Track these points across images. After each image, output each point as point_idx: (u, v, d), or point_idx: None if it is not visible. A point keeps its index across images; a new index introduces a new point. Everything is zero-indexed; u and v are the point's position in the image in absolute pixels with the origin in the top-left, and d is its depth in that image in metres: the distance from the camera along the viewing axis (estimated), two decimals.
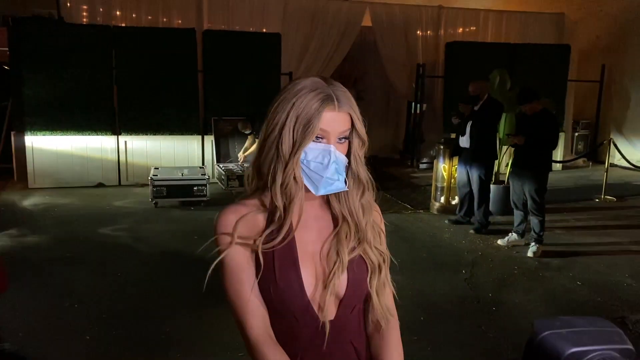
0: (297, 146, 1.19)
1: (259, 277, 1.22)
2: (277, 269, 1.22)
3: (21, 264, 4.92)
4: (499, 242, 5.71)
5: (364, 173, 1.28)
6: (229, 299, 1.25)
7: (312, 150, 1.20)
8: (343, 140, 1.23)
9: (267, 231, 1.23)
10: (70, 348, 3.54)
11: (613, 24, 10.76)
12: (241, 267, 1.23)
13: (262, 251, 1.22)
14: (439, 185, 6.98)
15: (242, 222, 1.24)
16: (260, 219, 1.25)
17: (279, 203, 1.22)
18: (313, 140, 1.20)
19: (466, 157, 6.09)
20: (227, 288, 1.25)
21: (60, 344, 3.58)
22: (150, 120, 8.08)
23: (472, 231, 6.07)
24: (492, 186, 6.79)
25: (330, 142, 1.21)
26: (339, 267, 1.26)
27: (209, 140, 8.41)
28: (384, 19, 9.59)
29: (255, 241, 1.23)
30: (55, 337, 3.66)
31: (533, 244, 5.42)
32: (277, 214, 1.23)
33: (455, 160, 6.54)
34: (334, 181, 1.21)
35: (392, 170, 9.76)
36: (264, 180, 1.25)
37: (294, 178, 1.21)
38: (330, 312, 1.27)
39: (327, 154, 1.20)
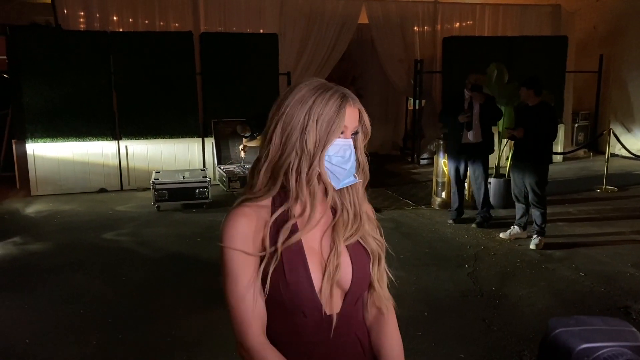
0: (322, 143, 1.24)
1: (270, 276, 1.24)
2: (285, 265, 1.25)
3: (26, 271, 4.95)
4: (501, 235, 5.73)
5: (366, 164, 1.35)
6: (228, 302, 1.27)
7: (333, 146, 1.26)
8: (354, 135, 1.30)
9: (289, 224, 1.26)
10: (77, 353, 3.56)
11: (609, 13, 10.75)
12: (244, 271, 1.25)
13: (283, 248, 1.25)
14: (440, 180, 6.99)
15: (251, 224, 1.26)
16: (270, 220, 1.28)
17: (302, 200, 1.27)
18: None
19: (473, 151, 6.03)
20: (227, 292, 1.27)
21: (66, 350, 3.60)
22: (150, 124, 8.09)
23: (474, 225, 6.08)
24: (493, 180, 6.83)
25: (347, 137, 1.28)
26: (335, 254, 1.29)
27: (209, 143, 8.42)
28: (380, 16, 9.59)
29: (263, 242, 1.26)
30: (62, 343, 3.69)
31: (535, 236, 5.43)
32: (300, 211, 1.28)
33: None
34: (351, 173, 1.29)
35: (392, 167, 9.78)
36: (279, 181, 1.27)
37: (318, 176, 1.26)
38: (336, 305, 1.31)
39: (347, 147, 1.27)
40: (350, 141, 1.27)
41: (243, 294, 1.25)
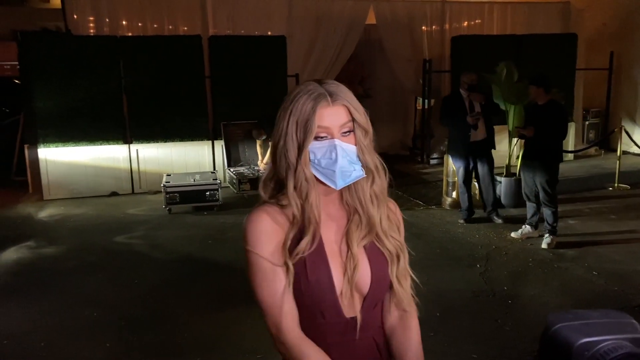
0: (301, 148, 1.24)
1: (291, 275, 1.26)
2: (308, 266, 1.26)
3: (39, 275, 5.00)
4: (513, 234, 5.70)
5: (372, 161, 1.31)
6: (260, 301, 1.28)
7: (318, 149, 1.25)
8: (347, 133, 1.27)
9: (291, 235, 1.27)
10: (91, 356, 3.59)
11: (620, 10, 10.65)
12: (273, 269, 1.27)
13: (294, 256, 1.26)
14: (450, 180, 6.97)
15: (273, 222, 1.28)
16: (288, 220, 1.29)
17: (294, 206, 1.27)
18: (317, 139, 1.25)
19: (480, 148, 6.04)
20: (258, 291, 1.28)
21: (80, 352, 3.64)
22: (161, 127, 8.14)
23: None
24: (503, 179, 6.80)
25: (334, 137, 1.25)
26: (350, 258, 1.30)
27: (219, 145, 8.46)
28: (388, 16, 9.57)
29: (284, 244, 1.27)
30: (76, 346, 3.72)
31: (547, 235, 5.40)
32: (297, 217, 1.28)
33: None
34: (351, 171, 1.26)
35: (402, 167, 9.74)
36: (283, 185, 1.30)
37: (305, 179, 1.26)
38: (355, 308, 1.32)
39: (332, 148, 1.25)
40: (336, 141, 1.24)
41: (271, 291, 1.27)
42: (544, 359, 1.09)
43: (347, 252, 1.31)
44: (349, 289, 1.29)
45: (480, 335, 3.73)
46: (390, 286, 1.37)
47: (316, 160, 1.26)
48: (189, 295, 4.54)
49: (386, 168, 1.36)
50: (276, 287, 1.26)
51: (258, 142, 8.10)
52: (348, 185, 1.30)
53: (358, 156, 1.28)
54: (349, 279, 1.29)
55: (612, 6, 10.74)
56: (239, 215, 6.76)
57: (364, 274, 1.31)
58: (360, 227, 1.32)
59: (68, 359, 3.59)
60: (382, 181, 1.34)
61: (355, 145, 1.28)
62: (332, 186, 1.27)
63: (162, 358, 3.59)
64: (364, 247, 1.33)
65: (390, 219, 1.38)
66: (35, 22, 9.78)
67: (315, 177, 1.27)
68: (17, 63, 8.46)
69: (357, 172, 1.27)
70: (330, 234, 1.32)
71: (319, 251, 1.28)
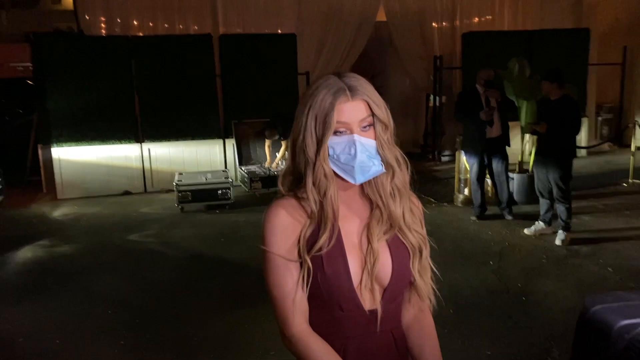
0: (320, 144, 1.24)
1: (305, 270, 1.26)
2: (324, 259, 1.26)
3: (54, 273, 5.05)
4: (526, 231, 5.66)
5: (391, 156, 1.30)
6: (271, 294, 1.29)
7: (338, 144, 1.25)
8: (367, 127, 1.26)
9: (309, 229, 1.27)
10: (106, 354, 3.62)
11: (633, 4, 10.52)
12: (286, 265, 1.27)
13: (312, 252, 1.26)
14: (462, 177, 6.94)
15: (290, 217, 1.28)
16: (306, 213, 1.30)
17: (313, 201, 1.27)
18: (336, 134, 1.24)
19: (495, 145, 6.01)
20: (270, 283, 1.29)
21: (95, 350, 3.67)
22: (172, 126, 8.18)
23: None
24: (516, 175, 6.76)
25: (353, 132, 1.24)
26: (370, 253, 1.29)
27: (230, 144, 8.48)
28: (398, 13, 9.54)
29: (301, 239, 1.27)
30: (91, 343, 3.75)
31: (561, 231, 5.36)
32: (315, 212, 1.28)
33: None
34: (370, 167, 1.25)
35: (413, 164, 9.62)
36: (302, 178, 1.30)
37: (324, 175, 1.25)
38: (374, 302, 1.31)
39: (352, 144, 1.24)
40: (355, 136, 1.24)
41: (282, 287, 1.27)
42: (581, 341, 1.07)
43: (368, 245, 1.31)
44: (368, 281, 1.29)
45: (494, 332, 3.71)
46: (411, 280, 1.36)
47: (335, 156, 1.25)
48: (202, 293, 4.56)
49: (408, 162, 1.35)
50: (287, 283, 1.27)
51: (267, 143, 8.09)
52: (369, 180, 1.30)
53: (377, 151, 1.27)
54: (368, 271, 1.29)
55: (625, 0, 10.62)
56: (250, 213, 6.78)
57: (385, 266, 1.31)
58: (381, 222, 1.32)
59: (82, 357, 3.62)
60: (403, 175, 1.34)
61: (375, 139, 1.27)
62: (352, 181, 1.27)
63: (175, 356, 3.61)
64: (386, 240, 1.33)
65: (413, 212, 1.38)
66: (47, 23, 9.83)
67: (334, 172, 1.27)
68: (30, 64, 8.55)
69: (377, 167, 1.27)
70: (351, 227, 1.32)
71: (337, 244, 1.28)
